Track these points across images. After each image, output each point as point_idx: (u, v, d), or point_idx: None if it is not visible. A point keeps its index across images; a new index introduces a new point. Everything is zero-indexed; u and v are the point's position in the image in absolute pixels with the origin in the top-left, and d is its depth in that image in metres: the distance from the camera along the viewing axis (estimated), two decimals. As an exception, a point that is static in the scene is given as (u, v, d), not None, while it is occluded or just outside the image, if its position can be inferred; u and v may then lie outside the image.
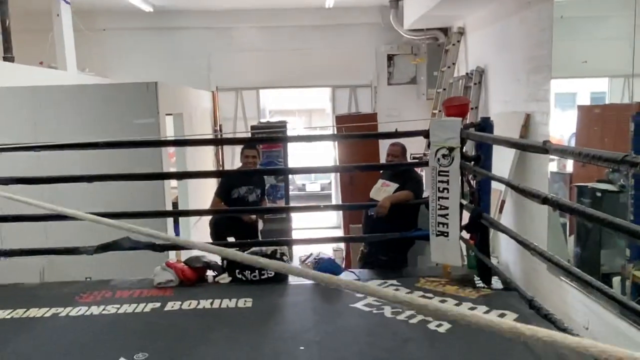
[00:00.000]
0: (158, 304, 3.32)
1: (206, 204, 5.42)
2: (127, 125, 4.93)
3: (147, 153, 4.83)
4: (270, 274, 3.73)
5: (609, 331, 3.35)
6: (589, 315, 3.61)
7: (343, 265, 4.66)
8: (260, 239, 5.01)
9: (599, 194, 4.05)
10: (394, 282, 3.62)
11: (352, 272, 3.88)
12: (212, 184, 6.40)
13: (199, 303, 3.35)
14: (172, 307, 3.28)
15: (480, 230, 3.62)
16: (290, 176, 11.43)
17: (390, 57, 9.10)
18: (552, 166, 4.82)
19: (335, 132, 7.55)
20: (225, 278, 3.83)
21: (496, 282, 3.53)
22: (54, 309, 3.30)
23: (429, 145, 3.68)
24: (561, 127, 5.33)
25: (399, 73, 9.14)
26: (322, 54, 9.03)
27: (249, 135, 7.99)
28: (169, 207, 5.50)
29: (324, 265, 3.79)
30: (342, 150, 7.78)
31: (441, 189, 3.57)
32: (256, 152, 4.91)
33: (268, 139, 7.15)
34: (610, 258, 3.96)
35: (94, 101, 5.20)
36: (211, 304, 3.35)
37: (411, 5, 7.21)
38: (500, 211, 4.86)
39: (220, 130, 8.86)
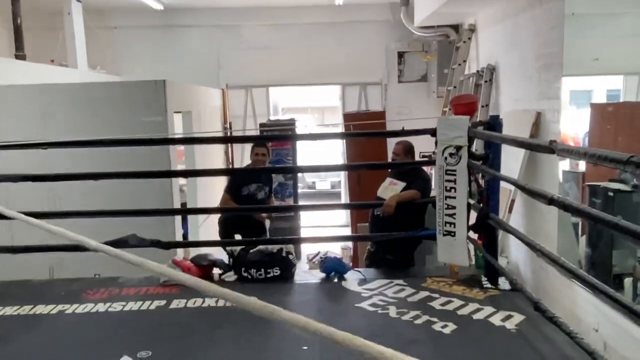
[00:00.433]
0: (164, 302, 3.33)
1: (215, 203, 5.43)
2: (135, 123, 4.95)
3: (155, 151, 4.84)
4: (277, 272, 3.72)
5: (619, 333, 3.29)
6: (598, 316, 3.55)
7: (350, 264, 4.62)
8: (267, 237, 5.01)
9: (611, 194, 3.99)
10: (400, 281, 3.59)
11: (358, 271, 3.86)
12: (221, 183, 6.41)
13: (204, 301, 3.35)
14: (178, 305, 3.28)
15: (487, 230, 3.57)
16: (300, 174, 11.45)
17: (400, 55, 9.04)
18: (565, 165, 4.75)
19: (344, 130, 7.52)
20: (231, 276, 3.82)
21: (504, 283, 3.49)
22: (60, 305, 3.32)
23: (436, 144, 3.63)
24: (576, 126, 5.26)
25: (409, 70, 9.08)
26: (332, 52, 9.00)
27: (258, 133, 8.00)
28: (177, 206, 5.52)
29: (330, 264, 3.78)
30: (350, 148, 7.75)
31: (448, 188, 3.53)
32: (266, 150, 4.92)
33: (273, 137, 7.15)
34: (622, 259, 3.90)
35: (103, 99, 5.22)
36: (216, 302, 3.34)
37: (422, 2, 7.15)
38: (510, 211, 4.80)
39: (230, 128, 8.88)
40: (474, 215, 3.68)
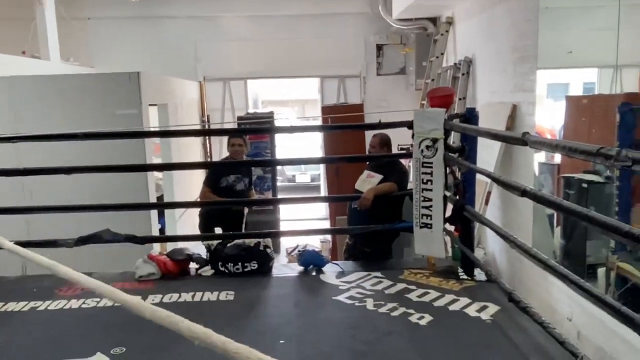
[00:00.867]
0: (139, 298, 3.27)
1: (192, 197, 5.38)
2: (109, 116, 4.87)
3: (130, 145, 4.77)
4: (254, 266, 3.70)
5: (592, 323, 3.35)
6: (572, 306, 3.61)
7: (329, 257, 4.62)
8: (244, 229, 4.97)
9: (584, 185, 4.04)
10: (378, 274, 3.61)
11: (336, 264, 3.86)
12: (199, 176, 6.34)
13: (180, 296, 3.32)
14: (154, 300, 3.24)
15: (463, 222, 3.60)
16: (279, 167, 11.42)
17: (379, 47, 9.03)
18: (540, 157, 4.80)
19: (322, 123, 7.50)
20: (208, 271, 3.80)
21: (480, 274, 3.52)
22: (32, 302, 3.26)
23: (413, 136, 3.64)
24: (554, 118, 5.32)
25: (388, 63, 9.08)
26: (310, 44, 8.95)
27: (236, 126, 7.94)
28: (153, 200, 5.45)
29: (307, 257, 3.78)
30: (328, 141, 7.74)
31: (425, 181, 3.55)
32: (242, 140, 4.88)
33: (251, 129, 7.10)
34: (595, 249, 3.96)
35: (76, 91, 5.13)
36: (193, 297, 3.32)
37: (400, -6, 7.15)
38: (487, 203, 4.84)
39: (208, 121, 8.79)
40: (450, 207, 3.70)
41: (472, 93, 6.03)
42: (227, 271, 3.70)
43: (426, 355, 2.53)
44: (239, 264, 3.68)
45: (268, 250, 3.79)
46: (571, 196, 4.11)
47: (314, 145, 11.18)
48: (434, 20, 7.96)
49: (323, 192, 9.68)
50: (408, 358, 2.50)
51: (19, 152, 4.60)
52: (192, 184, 4.99)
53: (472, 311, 2.95)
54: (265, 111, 9.60)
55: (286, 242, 6.96)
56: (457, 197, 3.65)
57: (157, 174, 6.31)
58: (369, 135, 4.87)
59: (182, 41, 8.82)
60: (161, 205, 6.11)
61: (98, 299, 3.28)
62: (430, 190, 3.53)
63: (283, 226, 7.89)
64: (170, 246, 4.72)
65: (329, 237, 6.82)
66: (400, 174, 4.16)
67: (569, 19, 4.69)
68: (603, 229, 1.63)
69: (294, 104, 16.89)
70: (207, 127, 8.74)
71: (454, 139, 4.78)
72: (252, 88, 10.21)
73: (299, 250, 3.97)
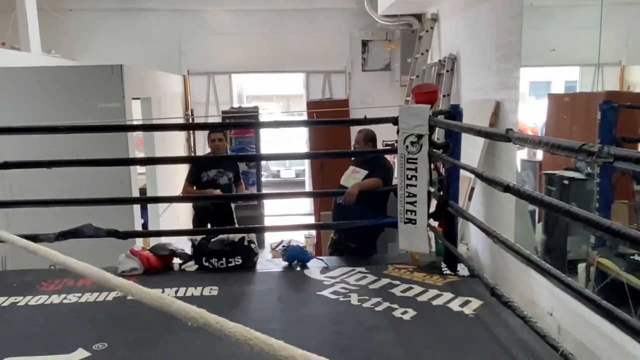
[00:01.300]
0: (121, 293, 3.24)
1: (176, 191, 5.34)
2: (91, 110, 4.81)
3: (112, 138, 4.71)
4: (238, 261, 3.69)
5: (573, 317, 3.40)
6: (553, 301, 3.66)
7: (314, 253, 4.63)
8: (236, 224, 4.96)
9: (566, 182, 4.10)
10: (362, 269, 3.62)
11: (320, 259, 3.86)
12: (182, 171, 6.30)
13: (163, 291, 3.28)
14: (136, 295, 3.21)
15: (447, 218, 3.62)
16: (264, 162, 11.38)
17: (364, 43, 9.04)
18: (523, 154, 4.86)
19: (307, 118, 7.49)
20: (191, 266, 3.77)
21: (463, 269, 3.55)
22: (12, 297, 3.21)
23: (398, 132, 3.65)
24: (536, 115, 5.37)
25: (373, 59, 9.09)
26: (296, 39, 8.93)
27: (220, 120, 7.89)
28: (136, 194, 5.40)
29: (292, 252, 3.77)
30: (313, 136, 7.73)
31: (409, 177, 3.56)
32: (222, 135, 4.85)
33: (236, 124, 7.06)
34: (576, 245, 4.02)
35: (57, 84, 5.05)
36: (176, 292, 3.30)
37: (385, -10, 7.15)
38: (470, 199, 4.88)
39: (192, 115, 8.72)
40: (434, 203, 3.73)
41: (456, 90, 6.06)
42: (211, 266, 3.68)
43: (410, 349, 2.54)
44: (223, 259, 3.66)
45: (252, 246, 3.77)
46: (553, 192, 4.16)
47: (298, 140, 11.16)
48: (419, 17, 7.98)
49: (308, 187, 9.67)
50: (392, 352, 2.51)
51: (0, 146, 4.52)
52: (175, 179, 4.95)
53: (455, 306, 2.98)
54: (249, 106, 9.56)
55: (270, 238, 6.94)
56: (441, 193, 3.68)
57: (140, 169, 6.25)
58: (354, 130, 4.89)
59: (166, 34, 8.73)
60: (144, 200, 6.05)
61: (80, 294, 3.24)
62: (415, 186, 3.55)
63: (267, 221, 7.88)
64: (153, 241, 4.68)
65: (313, 232, 6.82)
66: (385, 169, 4.18)
67: (553, 17, 4.74)
68: (585, 225, 1.66)
69: (278, 99, 16.84)
70: (190, 121, 8.67)
71: (438, 135, 4.81)
72: (237, 82, 10.15)
73: (283, 246, 3.96)
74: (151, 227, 6.18)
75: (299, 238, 5.63)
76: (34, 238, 3.63)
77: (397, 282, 3.36)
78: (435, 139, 3.72)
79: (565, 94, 5.26)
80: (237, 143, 7.98)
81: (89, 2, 8.47)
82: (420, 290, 3.22)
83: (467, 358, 2.45)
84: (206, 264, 3.69)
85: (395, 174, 4.33)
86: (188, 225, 5.61)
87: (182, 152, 8.33)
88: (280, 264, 3.81)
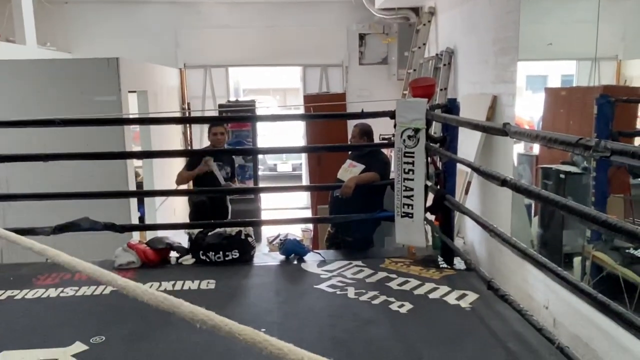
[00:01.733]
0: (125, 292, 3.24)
1: (172, 185, 5.32)
2: (87, 103, 4.79)
3: (108, 132, 4.70)
4: (235, 255, 3.69)
5: (568, 310, 3.42)
6: (548, 294, 3.68)
7: (310, 246, 4.64)
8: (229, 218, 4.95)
9: (562, 176, 4.11)
10: (359, 262, 3.63)
11: (317, 253, 3.87)
12: (178, 165, 6.30)
13: (160, 285, 3.29)
14: (133, 289, 3.21)
15: (443, 211, 3.63)
16: (261, 156, 11.36)
17: (361, 37, 9.02)
18: (519, 148, 4.86)
19: (304, 112, 7.47)
20: (188, 259, 3.77)
21: (459, 263, 3.57)
22: (9, 291, 3.21)
23: (395, 126, 3.65)
24: (532, 110, 5.38)
25: (370, 53, 9.07)
26: (292, 32, 8.89)
27: (217, 114, 7.87)
28: (133, 188, 5.39)
29: (289, 246, 3.78)
30: (310, 130, 7.72)
31: (406, 170, 3.57)
32: (223, 129, 4.84)
33: (233, 118, 7.05)
34: (572, 239, 4.04)
35: (52, 77, 5.02)
36: (173, 285, 3.30)
37: (382, -17, 7.13)
38: (467, 192, 4.89)
39: (189, 109, 8.69)
40: (431, 197, 3.74)
41: (454, 84, 6.06)
42: (208, 260, 3.68)
43: (406, 342, 2.56)
44: (220, 252, 3.67)
45: (249, 239, 3.78)
46: (549, 187, 4.18)
47: (295, 134, 11.15)
48: (416, 11, 7.96)
49: (305, 181, 9.67)
50: (388, 345, 2.52)
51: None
52: (172, 172, 4.93)
53: (451, 299, 2.99)
54: (246, 99, 9.54)
55: (267, 231, 6.96)
56: (438, 186, 3.69)
57: (137, 162, 6.24)
58: (351, 124, 4.88)
59: (162, 27, 8.69)
60: (140, 194, 6.05)
61: (77, 288, 3.25)
62: (412, 179, 3.56)
63: (264, 215, 7.88)
64: (150, 235, 4.68)
65: (310, 226, 6.83)
66: (382, 163, 4.18)
67: (550, 11, 4.73)
68: (581, 218, 1.66)
69: (275, 92, 16.80)
70: (187, 114, 8.64)
71: (435, 129, 4.81)
72: (234, 76, 10.11)
73: (280, 239, 3.97)
74: (148, 221, 6.17)
75: (295, 232, 5.64)
76: (31, 231, 3.63)
77: (394, 276, 3.38)
78: (432, 133, 3.72)
79: (562, 88, 5.26)
80: (234, 136, 7.97)
81: (84, -6, 8.42)
82: (417, 284, 3.23)
83: (464, 351, 2.46)
84: (203, 257, 3.69)
85: (392, 168, 4.33)
86: (185, 218, 5.60)
87: (178, 145, 8.31)
88: (277, 258, 3.82)
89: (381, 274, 3.41)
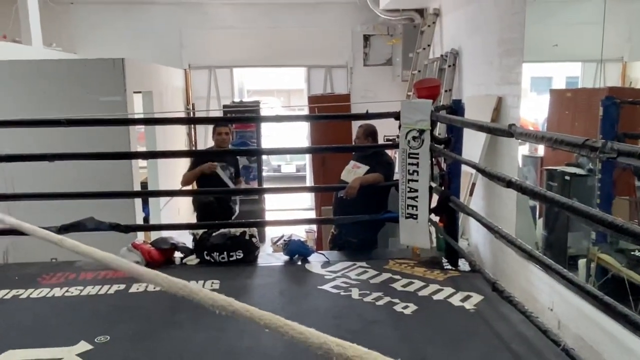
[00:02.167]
0: (123, 286, 3.26)
1: (177, 186, 5.33)
2: (92, 103, 4.81)
3: (114, 132, 4.72)
4: (239, 255, 3.69)
5: (573, 312, 3.41)
6: (553, 296, 3.67)
7: (314, 247, 4.63)
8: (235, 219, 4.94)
9: (567, 178, 4.11)
10: (363, 264, 3.62)
11: (321, 254, 3.87)
12: (183, 165, 6.31)
13: (165, 285, 3.29)
14: (137, 289, 3.22)
15: (448, 213, 3.63)
16: (265, 157, 11.38)
17: (366, 38, 9.03)
18: (524, 149, 4.85)
19: (309, 113, 7.49)
20: (193, 260, 3.78)
21: (464, 264, 3.56)
22: (14, 290, 3.22)
23: (400, 127, 3.65)
24: (537, 111, 5.37)
25: (374, 54, 9.08)
26: (297, 33, 8.91)
27: (222, 114, 7.89)
28: (137, 188, 5.40)
29: (293, 246, 3.78)
30: (315, 131, 7.73)
31: (411, 172, 3.56)
32: (228, 129, 4.85)
33: (238, 118, 7.06)
34: (577, 241, 4.03)
35: (58, 77, 5.04)
36: (180, 280, 3.30)
37: (387, -15, 7.13)
38: (471, 194, 4.88)
39: (193, 109, 8.72)
40: (436, 198, 3.73)
41: (458, 85, 6.05)
42: (212, 260, 3.69)
43: (410, 343, 2.55)
44: (225, 253, 3.67)
45: (253, 240, 3.78)
46: (554, 188, 4.17)
47: (300, 135, 11.15)
48: (421, 12, 7.96)
49: (309, 182, 9.68)
50: (392, 346, 2.52)
51: (1, 140, 4.51)
52: (176, 173, 4.95)
53: (456, 301, 2.99)
54: (251, 100, 9.56)
55: (271, 232, 6.96)
56: (443, 188, 3.68)
57: (142, 162, 6.25)
58: (355, 125, 4.89)
59: (167, 28, 8.72)
60: (145, 194, 6.06)
61: (81, 287, 3.26)
62: (416, 181, 3.55)
63: (268, 216, 7.88)
64: (154, 235, 4.69)
65: (314, 227, 6.83)
66: (387, 165, 4.18)
67: (555, 13, 4.73)
68: (587, 220, 1.66)
69: (279, 93, 16.83)
70: (192, 115, 8.66)
71: (440, 130, 4.81)
72: (238, 77, 10.14)
73: (284, 240, 3.97)
74: (152, 221, 6.18)
75: (300, 232, 5.65)
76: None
77: (398, 277, 3.37)
78: (437, 134, 3.72)
79: (567, 90, 5.25)
80: (239, 137, 7.98)
81: (90, -5, 8.45)
82: (421, 285, 3.23)
83: (468, 353, 2.46)
84: (207, 257, 3.70)
85: (397, 169, 4.33)
86: (189, 219, 5.61)
87: (183, 146, 8.33)
88: (281, 258, 3.82)
89: (385, 275, 3.40)
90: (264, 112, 9.96)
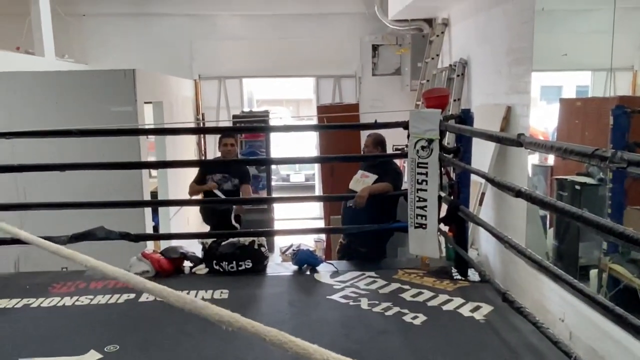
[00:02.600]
0: (132, 295, 3.27)
1: (186, 195, 5.36)
2: (104, 113, 4.86)
3: (124, 142, 4.76)
4: (248, 265, 3.70)
5: (584, 323, 3.37)
6: (564, 307, 3.63)
7: (323, 257, 4.63)
8: (240, 228, 4.95)
9: (577, 187, 4.08)
10: (372, 273, 3.61)
11: (330, 263, 3.86)
12: (193, 175, 6.35)
13: (174, 294, 3.30)
14: (147, 298, 3.23)
15: (457, 222, 3.61)
16: (274, 166, 11.41)
17: (374, 48, 9.05)
18: (534, 159, 4.83)
19: (317, 123, 7.51)
20: (202, 269, 3.79)
21: (473, 274, 3.54)
22: (25, 299, 3.25)
23: (409, 137, 3.65)
24: (547, 120, 5.35)
25: (383, 64, 9.10)
26: (306, 44, 8.96)
27: (231, 124, 7.93)
28: (147, 198, 5.44)
29: (302, 256, 3.78)
30: (323, 140, 7.74)
31: (420, 181, 3.56)
32: (234, 141, 4.86)
33: (247, 128, 7.10)
34: (588, 251, 3.98)
35: (70, 88, 5.11)
36: (187, 295, 3.31)
37: (396, -5, 7.16)
38: (480, 203, 4.86)
39: (203, 120, 8.78)
40: (445, 207, 3.72)
41: (467, 94, 6.05)
42: (221, 270, 3.69)
43: (420, 354, 2.54)
44: (234, 262, 3.68)
45: (262, 249, 3.78)
46: (564, 198, 4.14)
47: (308, 145, 11.18)
48: (429, 22, 7.98)
49: (318, 191, 9.68)
50: (402, 357, 2.51)
51: (9, 149, 4.57)
52: (186, 183, 4.98)
53: (465, 311, 2.97)
54: (260, 110, 9.60)
55: (280, 242, 6.96)
56: (452, 197, 3.67)
57: (152, 172, 6.30)
58: (364, 135, 4.89)
59: (178, 39, 8.81)
60: (155, 203, 6.09)
61: (91, 297, 3.28)
62: (425, 190, 3.54)
63: (277, 225, 7.89)
64: (164, 244, 4.71)
65: (323, 236, 6.83)
66: (395, 174, 4.17)
67: (564, 22, 4.72)
68: (598, 230, 1.65)
69: (288, 103, 16.89)
70: (201, 125, 8.72)
71: (449, 139, 4.80)
72: (247, 87, 10.19)
73: (293, 250, 3.97)
74: (162, 230, 6.21)
75: (308, 242, 5.64)
76: (47, 240, 3.67)
77: (407, 287, 3.36)
78: (445, 144, 3.71)
79: (577, 99, 5.23)
80: (248, 147, 8.02)
81: (101, 7, 8.57)
82: (431, 295, 3.21)
83: (478, 364, 2.44)
84: (216, 267, 3.70)
85: (405, 179, 4.33)
86: (198, 228, 5.63)
87: (192, 155, 8.38)
88: (290, 268, 3.82)
89: (394, 285, 3.39)
90: (273, 122, 10.00)
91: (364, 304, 3.11)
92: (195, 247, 3.98)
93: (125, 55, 8.34)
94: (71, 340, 2.72)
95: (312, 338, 2.79)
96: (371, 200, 3.89)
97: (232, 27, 8.94)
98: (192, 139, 8.47)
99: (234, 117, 8.24)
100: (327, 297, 3.25)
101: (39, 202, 4.13)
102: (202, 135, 8.87)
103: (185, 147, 7.84)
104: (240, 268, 3.68)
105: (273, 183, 9.19)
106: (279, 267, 4.00)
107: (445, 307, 3.04)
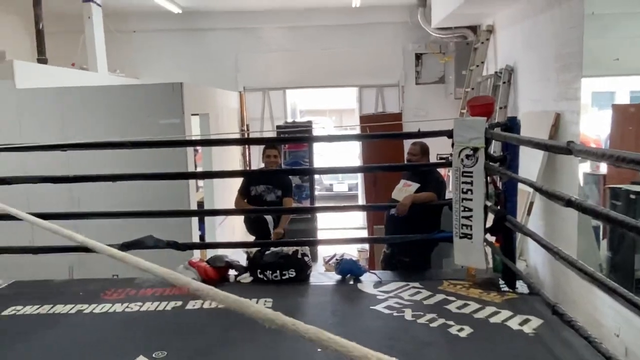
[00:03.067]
0: (180, 303, 3.34)
1: (232, 205, 5.45)
2: (152, 126, 5.01)
3: (172, 153, 4.89)
4: (292, 274, 3.72)
5: (641, 339, 3.22)
6: (619, 321, 3.48)
7: (366, 266, 4.60)
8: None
9: (633, 196, 3.92)
10: (416, 284, 3.56)
11: (373, 273, 3.84)
12: (237, 185, 6.46)
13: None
14: (194, 306, 3.30)
15: (504, 232, 3.52)
16: (317, 176, 11.45)
17: (418, 56, 9.00)
18: (585, 167, 4.68)
19: (360, 132, 7.50)
20: (246, 278, 3.84)
21: (522, 286, 3.44)
22: (79, 305, 3.36)
23: (453, 145, 3.60)
24: (599, 128, 5.18)
25: (427, 72, 9.03)
26: (348, 54, 9.00)
27: (275, 134, 8.03)
28: (194, 208, 5.55)
29: (345, 265, 3.77)
30: (366, 150, 7.73)
31: (465, 190, 3.50)
32: (277, 152, 4.87)
33: (290, 139, 7.16)
34: (645, 263, 3.82)
35: (120, 102, 5.30)
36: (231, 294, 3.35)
37: (439, 3, 7.11)
38: (529, 213, 4.73)
39: (248, 130, 8.92)
40: (491, 217, 3.64)
41: (514, 102, 5.92)
42: (265, 278, 3.73)
43: (466, 367, 2.48)
44: (277, 271, 3.71)
45: (306, 259, 3.79)
46: (618, 207, 3.98)
47: (351, 154, 11.19)
48: (473, 29, 7.88)
49: (361, 201, 9.66)
50: (447, 370, 2.46)
51: (65, 160, 4.77)
52: (233, 192, 5.06)
53: (514, 324, 2.88)
54: (303, 120, 9.68)
55: (323, 251, 6.97)
56: (498, 207, 3.59)
57: (200, 182, 6.44)
58: (406, 144, 4.85)
59: (223, 52, 9.02)
60: (201, 213, 6.22)
61: (141, 303, 3.36)
62: (471, 200, 3.48)
63: (321, 235, 7.91)
64: (210, 253, 4.79)
65: (366, 246, 6.80)
66: (438, 183, 4.12)
67: (615, 26, 4.57)
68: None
69: (331, 113, 16.98)
70: (246, 136, 8.86)
71: (495, 148, 4.71)
72: (291, 98, 10.31)
73: (336, 259, 3.97)
74: (208, 239, 6.33)
75: (352, 252, 5.64)
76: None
77: (453, 298, 3.29)
78: (491, 152, 3.64)
79: (631, 105, 5.05)
80: (291, 157, 8.09)
81: (151, 24, 8.87)
82: (477, 307, 3.14)
83: (527, 378, 2.37)
84: (260, 276, 3.74)
85: (450, 188, 4.26)
86: (243, 237, 5.70)
87: (238, 165, 8.52)
88: (333, 277, 3.82)
89: (439, 296, 3.34)
90: (316, 132, 10.05)
91: (408, 314, 3.07)
92: (240, 256, 4.04)
93: (174, 69, 8.61)
94: (121, 345, 2.80)
95: (355, 348, 2.77)
96: (414, 210, 3.85)
97: (275, 40, 9.09)
98: (237, 149, 8.62)
99: (278, 127, 8.35)
100: (371, 307, 3.22)
101: (91, 212, 4.29)
102: (247, 146, 9.01)
103: (231, 158, 7.99)
104: (284, 277, 3.70)
105: (316, 193, 9.22)
106: (322, 276, 4.00)
107: (492, 320, 2.96)
